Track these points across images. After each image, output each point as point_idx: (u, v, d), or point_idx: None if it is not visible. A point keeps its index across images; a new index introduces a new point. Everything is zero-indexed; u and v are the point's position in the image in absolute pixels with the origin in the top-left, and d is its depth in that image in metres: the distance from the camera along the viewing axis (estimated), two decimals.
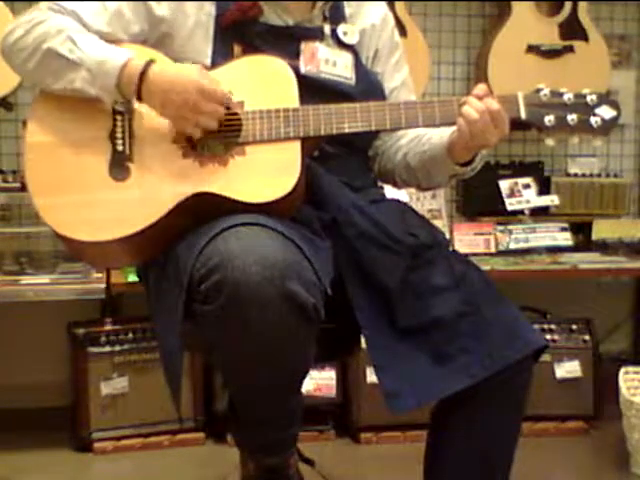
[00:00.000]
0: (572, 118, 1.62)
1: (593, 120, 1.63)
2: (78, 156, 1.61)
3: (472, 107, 1.58)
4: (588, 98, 1.63)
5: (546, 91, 1.63)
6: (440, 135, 1.70)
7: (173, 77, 1.57)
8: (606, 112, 1.63)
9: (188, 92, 1.54)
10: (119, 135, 1.62)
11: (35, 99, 1.67)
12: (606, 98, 1.64)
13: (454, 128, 1.62)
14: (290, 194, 1.53)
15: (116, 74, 1.57)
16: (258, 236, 1.44)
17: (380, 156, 1.88)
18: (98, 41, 1.61)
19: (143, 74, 1.56)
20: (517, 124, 1.64)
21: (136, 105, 1.61)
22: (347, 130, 1.61)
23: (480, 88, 1.61)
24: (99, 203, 1.59)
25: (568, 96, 1.63)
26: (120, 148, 1.61)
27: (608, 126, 1.63)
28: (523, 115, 1.62)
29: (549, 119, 1.62)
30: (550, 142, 1.66)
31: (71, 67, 1.59)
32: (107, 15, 1.65)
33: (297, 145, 1.58)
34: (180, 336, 1.51)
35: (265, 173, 1.56)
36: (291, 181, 1.54)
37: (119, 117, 1.62)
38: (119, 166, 1.61)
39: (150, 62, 1.58)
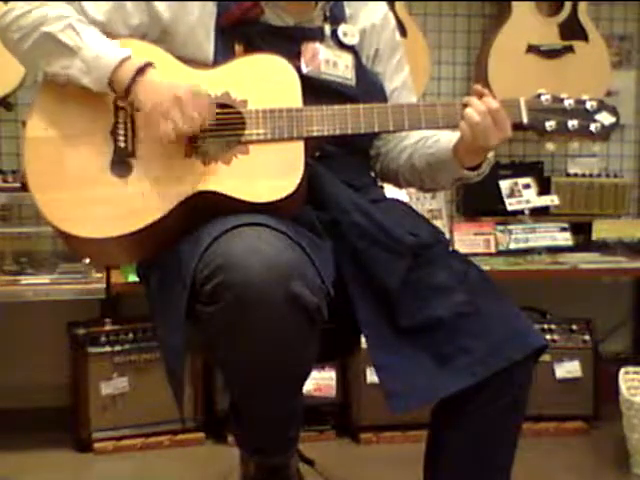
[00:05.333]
0: (573, 124, 1.64)
1: (593, 126, 1.65)
2: (79, 151, 1.61)
3: (474, 109, 1.59)
4: (588, 104, 1.65)
5: (547, 96, 1.65)
6: (449, 138, 1.71)
7: (164, 83, 1.57)
8: (606, 118, 1.65)
9: (164, 96, 1.54)
10: (121, 131, 1.61)
11: (37, 93, 1.66)
12: (605, 105, 1.66)
13: None
14: (293, 194, 1.53)
15: (110, 70, 1.57)
16: (261, 237, 1.44)
17: (383, 156, 1.88)
18: (99, 34, 1.62)
19: (139, 72, 1.56)
20: (517, 128, 1.64)
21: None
22: (350, 131, 1.62)
23: (477, 88, 1.61)
24: (100, 200, 1.58)
25: (569, 102, 1.65)
26: (122, 144, 1.61)
27: (607, 132, 1.65)
28: (525, 120, 1.64)
29: (550, 124, 1.64)
30: (550, 147, 1.68)
31: (67, 54, 1.59)
32: (108, 5, 1.65)
33: (300, 145, 1.58)
34: (182, 336, 1.51)
35: (268, 173, 1.56)
36: (294, 181, 1.54)
37: (121, 113, 1.62)
38: (121, 162, 1.60)
39: (150, 64, 1.58)
